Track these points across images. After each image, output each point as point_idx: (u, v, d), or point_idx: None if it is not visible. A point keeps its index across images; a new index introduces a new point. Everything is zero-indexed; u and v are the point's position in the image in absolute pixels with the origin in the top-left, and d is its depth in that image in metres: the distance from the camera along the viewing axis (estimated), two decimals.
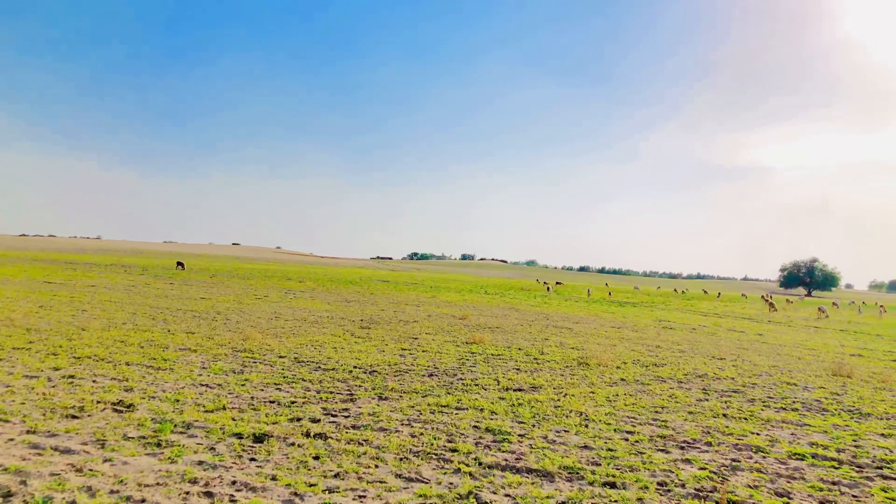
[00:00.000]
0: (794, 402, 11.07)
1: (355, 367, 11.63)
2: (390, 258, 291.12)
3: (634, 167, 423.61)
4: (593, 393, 10.64)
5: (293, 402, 8.64)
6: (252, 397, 8.83)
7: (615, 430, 8.29)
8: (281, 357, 12.29)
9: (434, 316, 23.32)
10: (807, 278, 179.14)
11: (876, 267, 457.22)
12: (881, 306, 68.18)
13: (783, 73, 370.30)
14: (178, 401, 8.32)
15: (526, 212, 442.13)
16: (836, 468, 7.22)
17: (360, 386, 10.05)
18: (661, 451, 7.47)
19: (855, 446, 8.22)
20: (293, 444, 6.83)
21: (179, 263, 52.13)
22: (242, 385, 9.57)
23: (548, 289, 59.76)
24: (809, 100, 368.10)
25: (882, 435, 8.99)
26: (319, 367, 11.44)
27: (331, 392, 9.48)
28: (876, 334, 29.17)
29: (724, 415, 9.67)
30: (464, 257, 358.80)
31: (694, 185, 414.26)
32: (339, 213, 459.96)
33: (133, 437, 6.69)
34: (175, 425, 7.19)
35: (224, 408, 8.10)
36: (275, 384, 9.80)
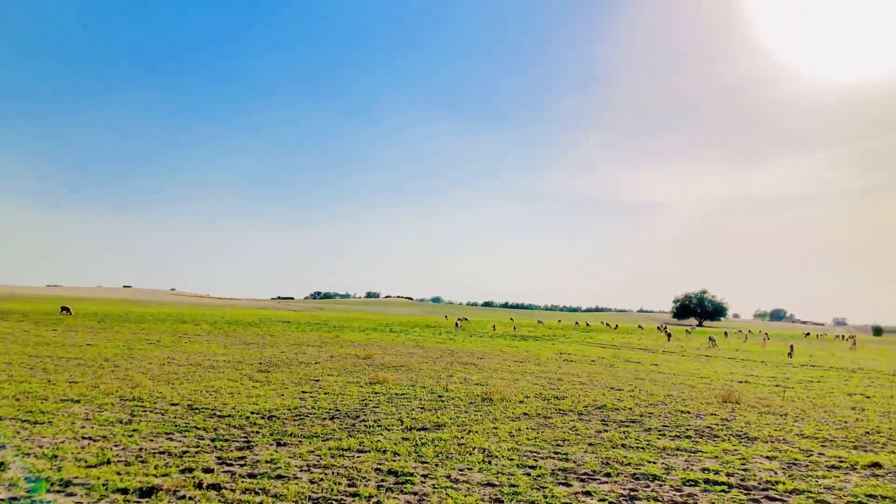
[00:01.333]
0: (687, 429, 11.51)
1: (253, 413, 11.21)
2: (292, 298, 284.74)
3: (534, 203, 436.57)
4: (497, 429, 10.70)
5: (185, 452, 8.21)
6: (140, 448, 8.32)
7: (518, 465, 8.34)
8: (173, 404, 11.69)
9: (337, 356, 22.92)
10: (697, 309, 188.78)
11: (759, 297, 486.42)
12: (765, 334, 72.52)
13: (672, 114, 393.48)
14: (56, 456, 7.72)
15: (430, 248, 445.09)
16: (726, 492, 7.52)
17: (257, 432, 9.69)
18: (563, 484, 7.56)
19: (743, 470, 8.61)
20: (184, 496, 6.47)
21: (64, 308, 48.91)
22: (130, 436, 9.02)
23: (456, 325, 60.12)
24: (696, 139, 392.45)
25: (767, 457, 9.47)
26: (214, 414, 10.96)
27: (226, 440, 9.08)
28: (761, 361, 30.92)
29: (623, 445, 9.93)
30: (369, 295, 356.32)
31: (590, 220, 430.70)
32: (239, 253, 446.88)
33: (3, 500, 6.14)
34: (52, 483, 6.66)
35: (108, 461, 7.59)
36: (166, 433, 9.30)
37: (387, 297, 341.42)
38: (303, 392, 14.03)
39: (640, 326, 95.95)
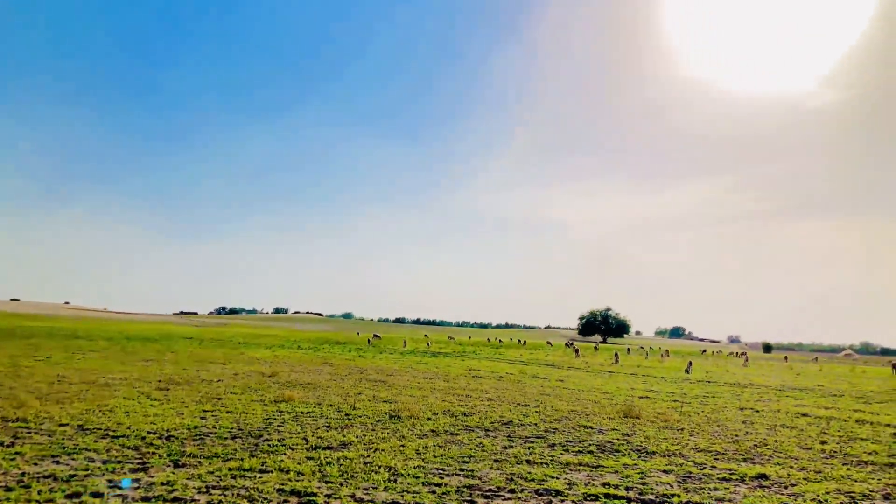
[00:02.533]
0: (589, 444, 11.82)
1: (149, 433, 10.72)
2: (196, 313, 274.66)
3: (447, 220, 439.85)
4: (403, 446, 10.65)
5: (73, 476, 7.76)
6: (23, 473, 7.80)
7: (423, 483, 8.32)
8: (62, 425, 11.03)
9: (242, 374, 22.26)
10: (602, 326, 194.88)
11: (660, 314, 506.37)
12: (666, 350, 75.54)
13: (583, 135, 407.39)
14: None
15: (342, 264, 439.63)
16: None
17: (153, 453, 9.27)
18: (468, 501, 7.60)
19: (642, 484, 8.91)
20: None
21: None
22: (12, 459, 8.45)
23: (369, 341, 59.69)
24: (605, 160, 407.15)
25: (664, 471, 9.84)
26: (107, 435, 10.41)
27: (119, 461, 8.65)
28: (660, 377, 32.14)
29: (528, 461, 10.09)
30: (277, 311, 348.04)
31: (502, 237, 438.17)
32: (139, 266, 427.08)
33: None
34: None
35: None
36: (52, 456, 8.76)
37: (296, 312, 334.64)
38: (204, 411, 13.54)
39: (548, 343, 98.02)
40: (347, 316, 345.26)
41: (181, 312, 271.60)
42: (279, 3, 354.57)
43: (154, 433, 10.75)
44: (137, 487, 7.45)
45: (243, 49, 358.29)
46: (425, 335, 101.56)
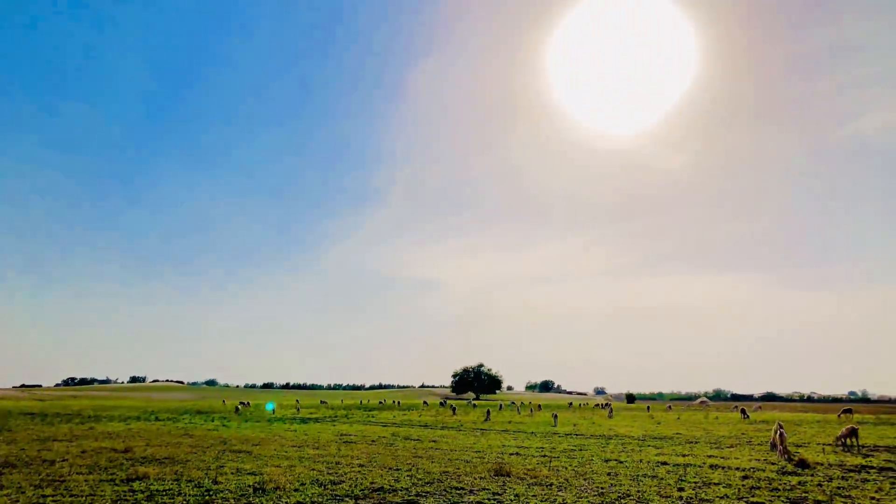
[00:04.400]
0: None
1: None
2: (39, 386, 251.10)
3: (317, 280, 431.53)
4: None
5: None
6: None
7: None
8: None
9: (91, 451, 20.44)
10: (475, 382, 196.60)
11: (530, 369, 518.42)
12: (537, 405, 77.26)
13: (455, 195, 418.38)
14: None
15: (204, 329, 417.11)
16: None
17: None
18: None
19: None
20: None
21: None
22: None
23: (237, 410, 56.79)
24: (480, 218, 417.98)
25: None
26: None
27: None
28: (531, 432, 32.69)
29: None
30: (133, 380, 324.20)
31: (373, 297, 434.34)
32: None
33: None
34: None
35: None
36: None
37: (154, 381, 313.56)
38: (43, 496, 12.26)
39: (424, 402, 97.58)
40: (211, 383, 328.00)
41: (22, 386, 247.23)
42: (140, 75, 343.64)
43: None
44: None
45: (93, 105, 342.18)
46: (296, 400, 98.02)
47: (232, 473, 15.64)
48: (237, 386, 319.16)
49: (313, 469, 16.71)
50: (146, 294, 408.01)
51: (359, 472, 16.35)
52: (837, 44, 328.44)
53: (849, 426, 25.83)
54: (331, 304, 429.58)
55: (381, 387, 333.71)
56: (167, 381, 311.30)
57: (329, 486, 14.03)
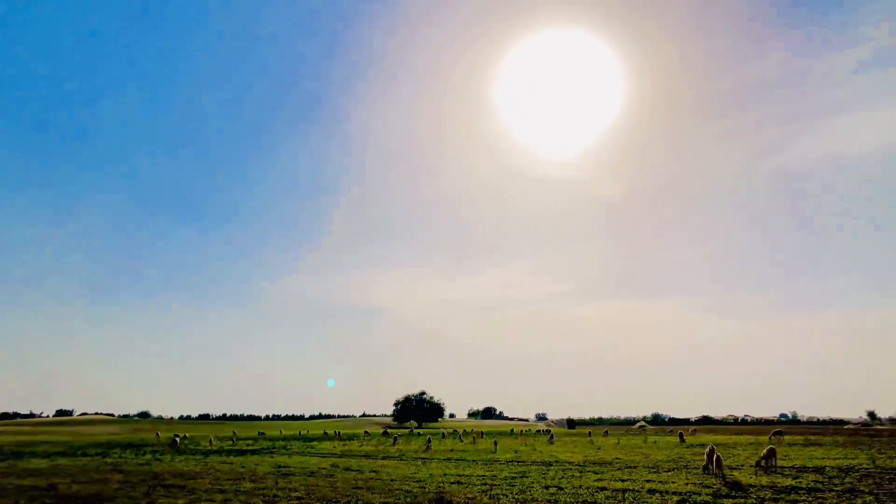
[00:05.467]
0: None
1: None
2: None
3: (255, 310, 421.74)
4: None
5: None
6: None
7: None
8: None
9: (12, 490, 19.40)
10: (417, 411, 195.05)
11: (473, 396, 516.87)
12: (479, 433, 77.12)
13: (394, 224, 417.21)
14: None
15: (135, 359, 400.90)
16: None
17: None
18: None
19: None
20: None
21: None
22: None
23: (173, 443, 54.77)
24: (418, 246, 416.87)
25: None
26: None
27: None
28: (472, 460, 32.57)
29: None
30: (60, 413, 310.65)
31: (314, 326, 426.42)
32: None
33: None
34: None
35: None
36: None
37: (83, 414, 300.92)
38: None
39: (366, 432, 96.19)
40: (144, 415, 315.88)
41: None
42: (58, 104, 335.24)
43: None
44: None
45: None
46: (233, 432, 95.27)
47: None
48: (171, 418, 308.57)
49: (249, 503, 16.23)
50: (73, 323, 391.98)
51: None
52: (761, 80, 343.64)
53: (768, 447, 26.69)
54: (270, 333, 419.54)
55: (321, 416, 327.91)
56: (96, 413, 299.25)
57: None
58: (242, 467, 28.20)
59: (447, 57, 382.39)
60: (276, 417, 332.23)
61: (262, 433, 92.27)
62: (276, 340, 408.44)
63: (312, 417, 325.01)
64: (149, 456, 37.11)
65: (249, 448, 47.07)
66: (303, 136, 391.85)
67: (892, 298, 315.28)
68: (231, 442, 58.45)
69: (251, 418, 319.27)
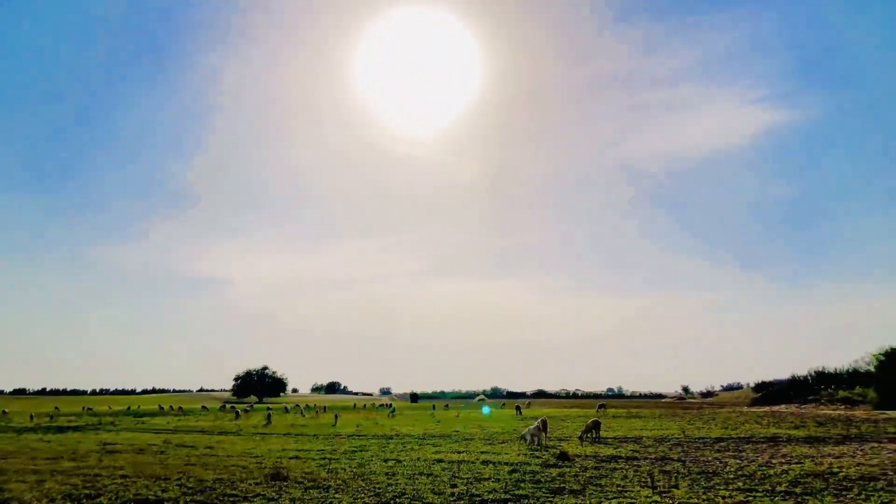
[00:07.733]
0: None
1: None
2: None
3: (86, 277, 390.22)
4: None
5: None
6: None
7: None
8: None
9: None
10: (258, 385, 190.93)
11: (318, 371, 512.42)
12: (323, 407, 76.74)
13: (244, 192, 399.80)
14: None
15: None
16: None
17: None
18: None
19: None
20: None
21: None
22: None
23: None
24: (268, 217, 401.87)
25: None
26: None
27: None
28: (314, 434, 32.36)
29: None
30: None
31: (152, 297, 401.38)
32: None
33: None
34: None
35: None
36: None
37: None
38: None
39: (204, 407, 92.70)
40: None
41: None
42: None
43: None
44: None
45: None
46: (55, 407, 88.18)
47: None
48: None
49: (66, 483, 15.14)
50: None
51: (121, 483, 15.08)
52: (611, 74, 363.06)
53: (592, 419, 28.78)
54: (100, 304, 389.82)
55: (154, 391, 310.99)
56: None
57: (85, 500, 12.80)
58: (62, 445, 26.25)
59: (310, 29, 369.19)
60: (105, 392, 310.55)
61: (89, 408, 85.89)
62: (106, 312, 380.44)
63: (145, 392, 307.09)
64: None
65: (72, 424, 43.87)
66: (142, 97, 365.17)
67: (707, 291, 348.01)
68: (50, 418, 54.17)
69: (75, 393, 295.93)
